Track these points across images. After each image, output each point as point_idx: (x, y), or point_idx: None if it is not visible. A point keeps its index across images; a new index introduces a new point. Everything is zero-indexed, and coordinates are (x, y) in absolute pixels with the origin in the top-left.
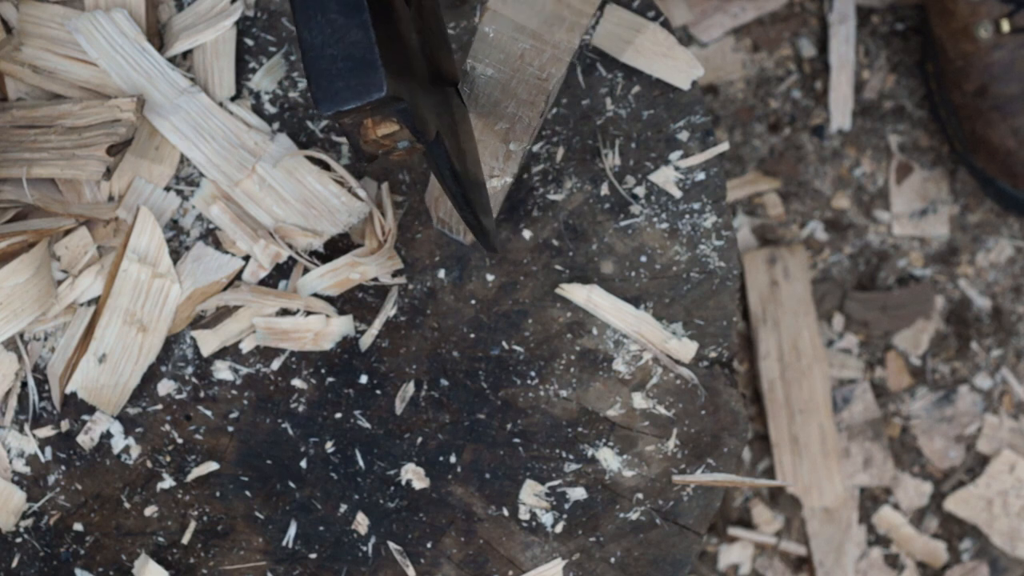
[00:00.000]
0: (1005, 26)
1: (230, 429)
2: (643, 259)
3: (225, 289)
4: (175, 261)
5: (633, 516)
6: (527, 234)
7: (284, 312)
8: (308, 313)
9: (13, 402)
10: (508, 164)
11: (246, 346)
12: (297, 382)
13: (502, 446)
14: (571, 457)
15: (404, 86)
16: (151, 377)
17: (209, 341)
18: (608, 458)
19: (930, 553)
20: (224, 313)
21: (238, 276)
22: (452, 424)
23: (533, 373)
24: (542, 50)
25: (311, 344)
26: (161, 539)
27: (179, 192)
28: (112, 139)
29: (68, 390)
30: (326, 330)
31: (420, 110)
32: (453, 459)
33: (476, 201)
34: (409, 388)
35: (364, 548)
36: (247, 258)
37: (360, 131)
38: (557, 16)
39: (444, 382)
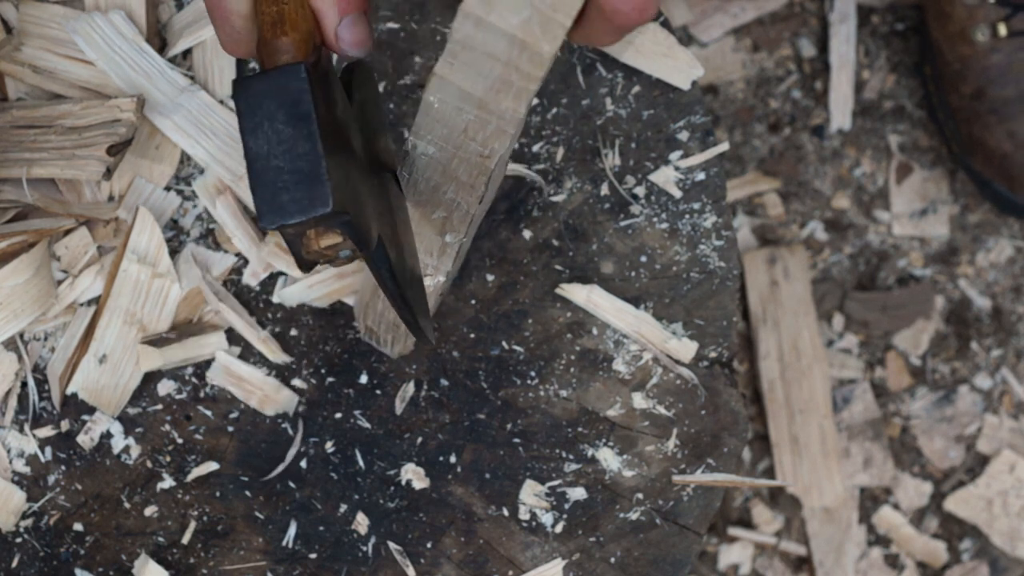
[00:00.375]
0: (1002, 30)
1: (230, 429)
2: (643, 259)
3: (224, 284)
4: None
5: (633, 516)
6: (527, 234)
7: (245, 352)
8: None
9: (13, 402)
10: (442, 260)
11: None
12: (297, 382)
13: (502, 446)
14: (571, 457)
15: (348, 197)
16: (151, 377)
17: (152, 358)
18: (608, 458)
19: (930, 553)
20: (197, 328)
21: (237, 273)
22: (452, 424)
23: (533, 373)
24: (487, 121)
25: (255, 403)
26: (161, 539)
27: (179, 192)
28: (112, 139)
29: (68, 391)
30: (275, 397)
31: (363, 220)
32: (453, 459)
33: (414, 299)
34: (409, 388)
35: (364, 548)
36: (240, 255)
37: (302, 241)
38: (505, 81)
39: (444, 382)
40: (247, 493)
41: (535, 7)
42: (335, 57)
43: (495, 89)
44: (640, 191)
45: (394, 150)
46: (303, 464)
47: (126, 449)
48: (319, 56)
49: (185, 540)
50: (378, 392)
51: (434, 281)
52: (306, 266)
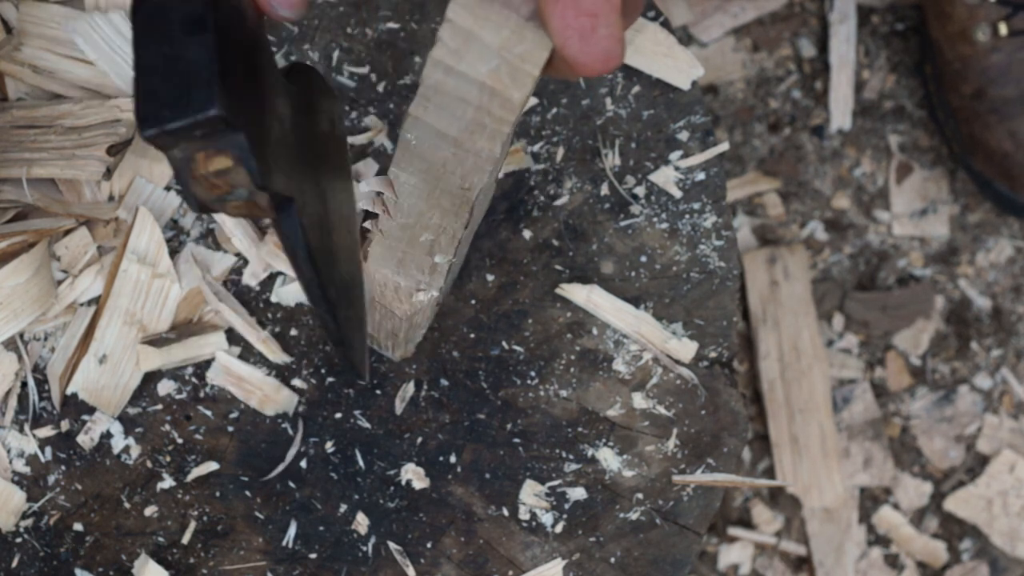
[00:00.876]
0: (1003, 29)
1: (230, 429)
2: (643, 259)
3: (224, 283)
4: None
5: (633, 516)
6: (527, 234)
7: (245, 352)
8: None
9: (13, 402)
10: (434, 277)
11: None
12: (297, 382)
13: (502, 446)
14: (571, 457)
15: (245, 112)
16: (151, 377)
17: (152, 358)
18: (608, 458)
19: (930, 553)
20: (197, 328)
21: (237, 273)
22: (452, 424)
23: (533, 373)
24: (464, 158)
25: (255, 403)
26: (161, 539)
27: (179, 192)
28: (112, 139)
29: (68, 391)
30: (275, 397)
31: (265, 151)
32: (453, 459)
33: (340, 305)
34: (409, 388)
35: (364, 548)
36: (240, 255)
37: (191, 168)
38: (478, 123)
39: (444, 382)
40: (247, 493)
41: (503, 57)
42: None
43: (469, 130)
44: (640, 191)
45: (350, 168)
46: (303, 464)
47: (126, 449)
48: None
49: (185, 540)
50: (378, 392)
51: (427, 296)
52: (197, 204)
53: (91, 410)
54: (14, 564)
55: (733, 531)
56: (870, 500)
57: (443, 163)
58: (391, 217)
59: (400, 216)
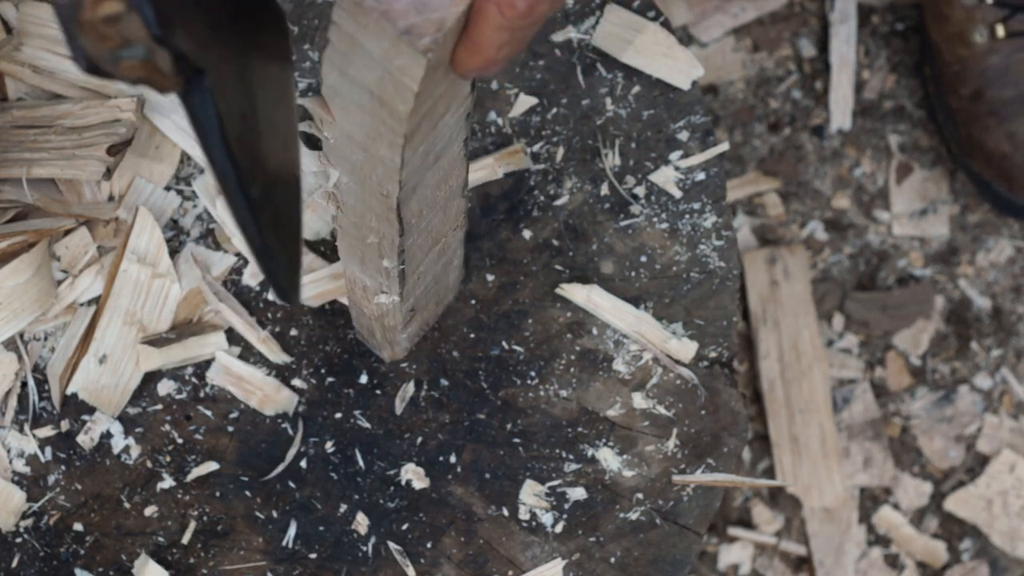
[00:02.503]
0: (1000, 31)
1: (230, 429)
2: (643, 259)
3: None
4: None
5: (633, 516)
6: (527, 234)
7: (245, 352)
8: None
9: (13, 402)
10: (390, 282)
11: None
12: (297, 382)
13: (502, 446)
14: (571, 457)
15: None
16: (151, 377)
17: (152, 358)
18: (608, 458)
19: (930, 553)
20: (197, 328)
21: (237, 273)
22: (452, 424)
23: (533, 373)
24: (374, 164)
25: (255, 403)
26: (161, 539)
27: (179, 192)
28: (112, 139)
29: (69, 391)
30: (275, 397)
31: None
32: (453, 459)
33: (264, 208)
34: (409, 388)
35: (364, 548)
36: (240, 255)
37: (77, 13)
38: (376, 131)
39: (444, 382)
40: (247, 493)
41: (385, 69)
42: None
43: (371, 136)
44: (640, 191)
45: (291, 59)
46: (303, 464)
47: (126, 449)
48: None
49: (185, 540)
50: (378, 392)
51: (390, 300)
52: (85, 60)
53: (91, 410)
54: (14, 564)
55: (733, 531)
56: (870, 500)
57: (360, 166)
58: (342, 212)
59: (346, 214)
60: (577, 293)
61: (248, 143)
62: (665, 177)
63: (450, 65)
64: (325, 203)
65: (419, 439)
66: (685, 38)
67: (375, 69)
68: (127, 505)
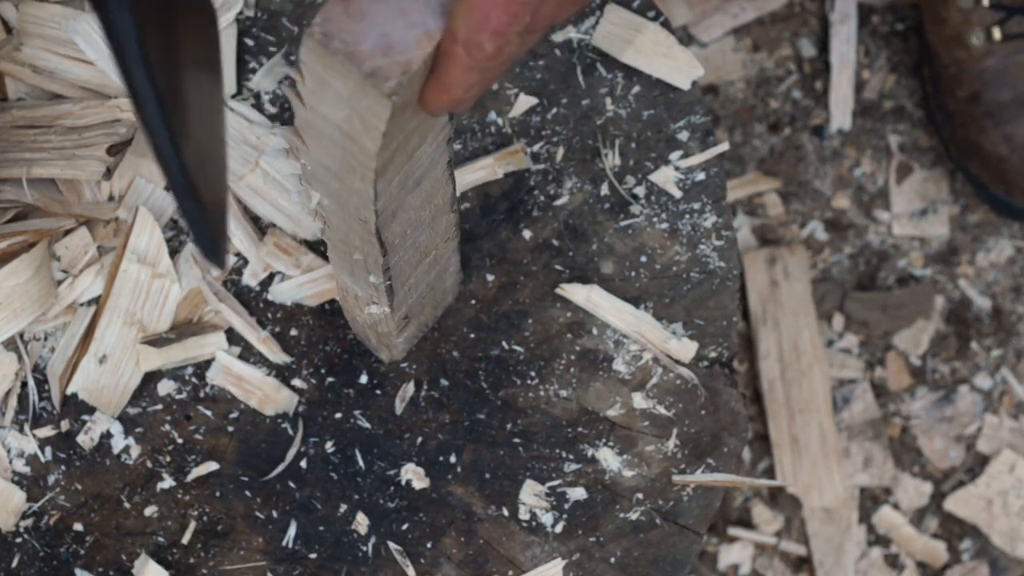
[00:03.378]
0: (996, 33)
1: (230, 429)
2: (643, 259)
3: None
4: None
5: (633, 516)
6: (527, 234)
7: (245, 352)
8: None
9: (13, 402)
10: (379, 296)
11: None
12: (297, 382)
13: (502, 446)
14: (571, 457)
15: None
16: (151, 377)
17: (152, 358)
18: (608, 458)
19: (930, 553)
20: (197, 328)
21: (237, 273)
22: (452, 424)
23: (533, 373)
24: (349, 193)
25: (255, 403)
26: (161, 539)
27: None
28: (112, 139)
29: (68, 391)
30: (275, 397)
31: None
32: (453, 459)
33: (187, 140)
34: (409, 388)
35: (364, 548)
36: (240, 255)
37: None
38: (348, 164)
39: (444, 382)
40: (247, 493)
41: (353, 108)
42: None
43: (345, 168)
44: (640, 191)
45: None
46: (303, 464)
47: (126, 449)
48: None
49: (185, 540)
50: (378, 392)
51: (379, 310)
52: None
53: (91, 410)
54: (14, 564)
55: (733, 531)
56: (870, 500)
57: (337, 193)
58: (328, 228)
59: (332, 230)
60: (577, 293)
61: (171, 80)
62: (665, 177)
63: (418, 104)
64: (312, 219)
65: (419, 439)
66: (685, 38)
67: (343, 107)
68: (127, 505)
